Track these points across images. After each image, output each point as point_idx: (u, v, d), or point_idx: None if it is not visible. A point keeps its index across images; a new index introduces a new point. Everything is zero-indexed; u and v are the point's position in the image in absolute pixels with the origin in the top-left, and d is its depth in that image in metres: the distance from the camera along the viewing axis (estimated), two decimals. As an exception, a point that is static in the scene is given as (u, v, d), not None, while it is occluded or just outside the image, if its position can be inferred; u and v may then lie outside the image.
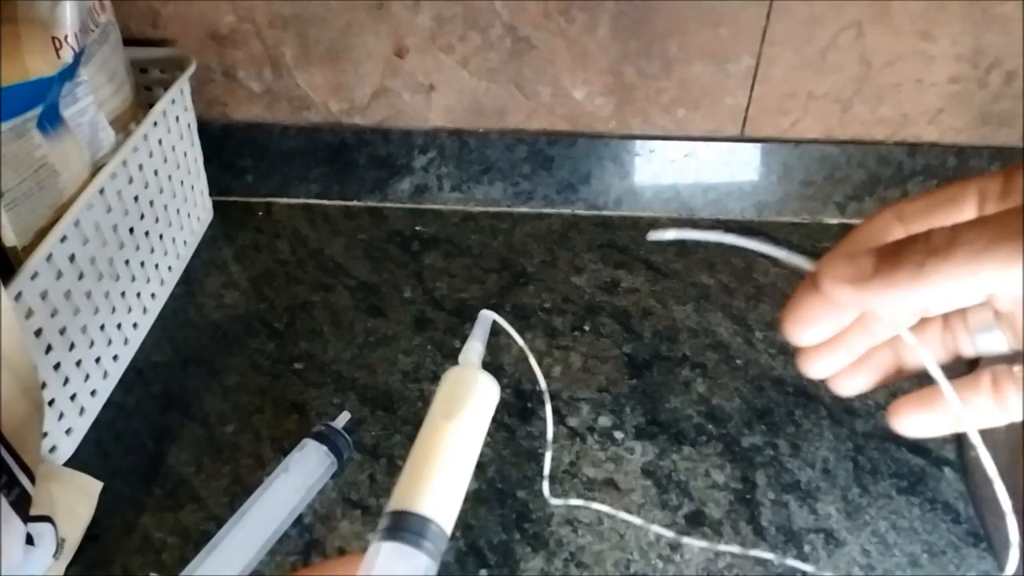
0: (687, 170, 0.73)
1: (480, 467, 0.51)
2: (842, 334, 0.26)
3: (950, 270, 0.19)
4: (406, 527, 0.25)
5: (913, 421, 0.26)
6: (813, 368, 0.26)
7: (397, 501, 0.26)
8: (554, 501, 0.49)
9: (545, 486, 0.47)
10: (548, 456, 0.50)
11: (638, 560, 0.46)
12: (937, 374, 0.23)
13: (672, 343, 0.61)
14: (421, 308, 0.63)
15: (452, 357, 0.58)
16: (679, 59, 0.68)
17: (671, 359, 0.59)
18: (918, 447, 0.53)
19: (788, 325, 0.25)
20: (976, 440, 0.23)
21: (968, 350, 0.26)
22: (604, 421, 0.55)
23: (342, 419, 0.52)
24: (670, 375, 0.58)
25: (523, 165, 0.74)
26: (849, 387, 0.27)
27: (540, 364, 0.59)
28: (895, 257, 0.21)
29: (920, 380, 0.25)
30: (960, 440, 0.53)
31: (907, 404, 0.26)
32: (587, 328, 0.62)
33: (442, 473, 0.27)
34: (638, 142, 0.72)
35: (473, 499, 0.49)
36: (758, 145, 0.72)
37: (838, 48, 0.66)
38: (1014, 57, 0.66)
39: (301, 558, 0.46)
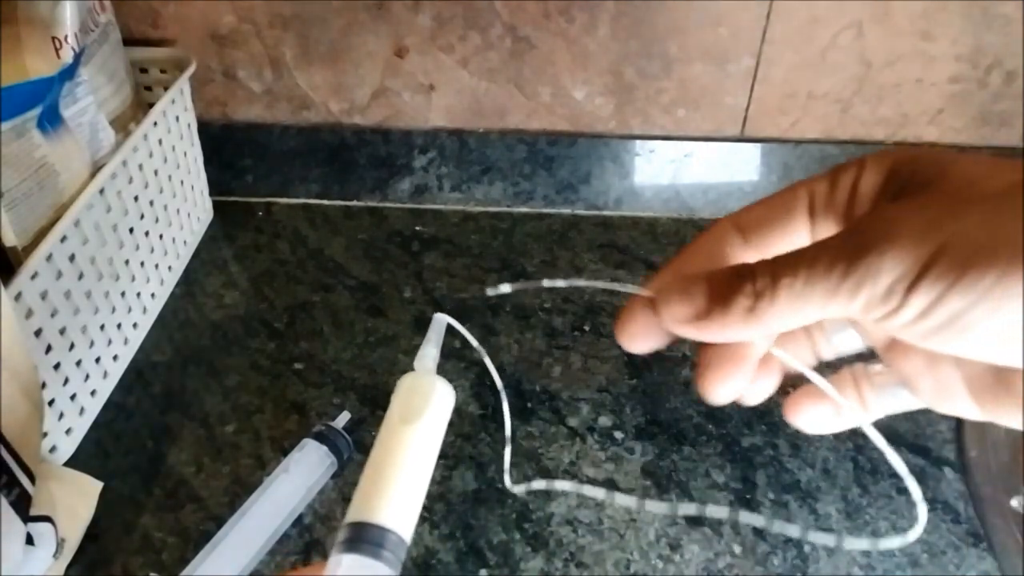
0: (687, 170, 0.73)
1: (480, 467, 0.51)
2: (729, 356, 0.26)
3: (777, 312, 0.20)
4: (365, 538, 0.26)
5: (807, 416, 0.26)
6: (718, 396, 0.25)
7: (356, 512, 0.26)
8: (516, 489, 0.49)
9: (507, 478, 0.48)
10: (508, 451, 0.50)
11: (638, 560, 0.46)
12: (817, 379, 0.24)
13: (672, 343, 0.60)
14: (421, 308, 0.63)
15: (452, 357, 0.58)
16: (679, 59, 0.68)
17: (671, 359, 0.59)
18: (918, 447, 0.53)
19: (623, 339, 0.25)
20: (872, 432, 0.24)
21: (827, 352, 0.26)
22: (604, 421, 0.55)
23: (342, 419, 0.52)
24: (670, 375, 0.58)
25: (523, 165, 0.74)
26: (756, 397, 0.27)
27: (540, 364, 0.59)
28: (726, 301, 0.21)
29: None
30: (960, 440, 0.53)
31: (799, 400, 0.26)
32: (587, 328, 0.62)
33: (400, 482, 0.28)
34: (638, 142, 0.72)
35: (473, 499, 0.49)
36: (758, 145, 0.72)
37: (838, 48, 0.66)
38: (1014, 57, 0.66)
39: (301, 558, 0.46)
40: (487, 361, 0.38)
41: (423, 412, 0.29)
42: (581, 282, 0.27)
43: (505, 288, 0.27)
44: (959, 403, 0.23)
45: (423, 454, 0.28)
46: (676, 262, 0.25)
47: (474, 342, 0.36)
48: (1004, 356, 0.18)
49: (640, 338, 0.24)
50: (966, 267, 0.17)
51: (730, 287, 0.21)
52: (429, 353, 0.32)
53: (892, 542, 0.31)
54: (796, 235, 0.24)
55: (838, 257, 0.19)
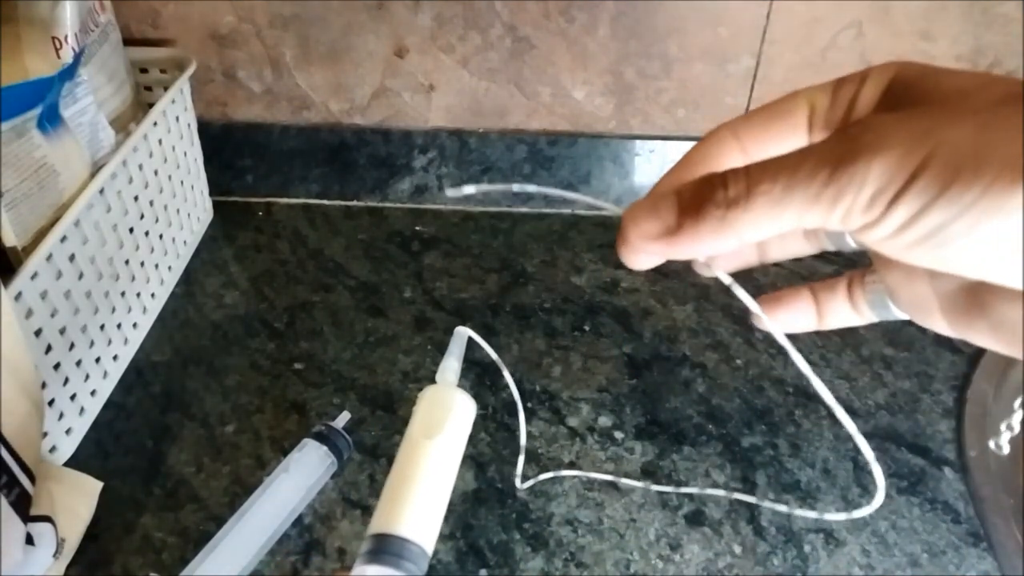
0: (687, 170, 0.73)
1: (480, 467, 0.51)
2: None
3: (751, 219, 0.19)
4: (387, 549, 0.26)
5: (779, 317, 0.26)
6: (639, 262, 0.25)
7: (378, 524, 0.27)
8: (523, 485, 0.49)
9: (518, 481, 0.48)
10: (521, 459, 0.50)
11: (638, 560, 0.46)
12: (745, 297, 0.24)
13: (672, 343, 0.61)
14: (421, 308, 0.63)
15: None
16: (679, 59, 0.68)
17: (671, 359, 0.59)
18: (918, 447, 0.53)
19: (623, 255, 0.24)
20: (782, 339, 0.23)
21: (827, 245, 0.26)
22: (604, 421, 0.55)
23: (342, 419, 0.52)
24: (670, 375, 0.58)
25: (523, 165, 0.74)
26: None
27: (540, 364, 0.59)
28: (696, 211, 0.20)
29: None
30: (960, 440, 0.53)
31: (772, 302, 0.26)
32: (587, 328, 0.62)
33: (421, 494, 0.28)
34: (638, 142, 0.72)
35: (473, 499, 0.49)
36: (758, 145, 0.72)
37: (838, 48, 0.66)
38: (1014, 57, 0.66)
39: (301, 558, 0.46)
40: (505, 373, 0.38)
41: (444, 425, 0.29)
42: (551, 191, 0.25)
43: (469, 189, 0.25)
44: (934, 320, 0.23)
45: (444, 467, 0.28)
46: (672, 172, 0.24)
47: (494, 355, 0.35)
48: (981, 271, 0.18)
49: (640, 253, 0.23)
50: (952, 179, 0.17)
51: (700, 196, 0.20)
52: (451, 366, 0.32)
53: (840, 516, 0.31)
54: (794, 145, 0.23)
55: (822, 163, 0.18)
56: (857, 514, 0.27)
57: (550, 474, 0.51)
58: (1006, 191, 0.16)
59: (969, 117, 0.18)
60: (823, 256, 0.27)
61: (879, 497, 0.26)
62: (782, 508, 0.47)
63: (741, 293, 0.23)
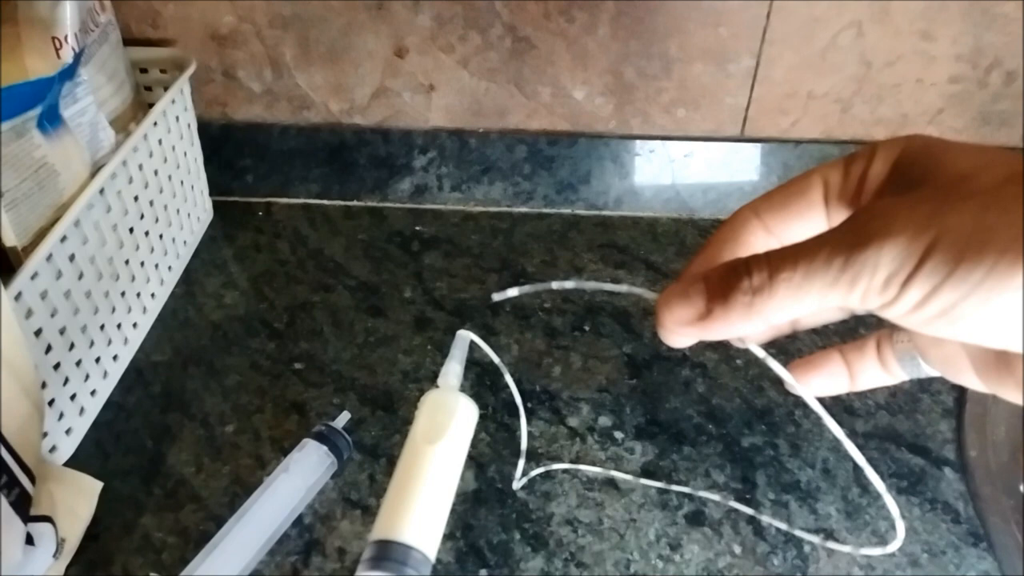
0: (687, 170, 0.73)
1: (480, 467, 0.51)
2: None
3: (776, 304, 0.21)
4: (390, 556, 0.26)
5: (812, 383, 0.28)
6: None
7: (381, 530, 0.27)
8: (518, 484, 0.49)
9: (515, 484, 0.49)
10: (521, 462, 0.50)
11: (638, 560, 0.46)
12: (778, 368, 0.25)
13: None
14: (421, 308, 0.63)
15: (452, 357, 0.58)
16: (679, 59, 0.68)
17: (671, 359, 0.59)
18: (918, 447, 0.53)
19: (665, 336, 0.25)
20: (815, 405, 0.25)
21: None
22: (604, 421, 0.55)
23: (342, 419, 0.52)
24: (670, 375, 0.58)
25: (523, 165, 0.74)
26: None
27: (540, 364, 0.59)
28: (725, 298, 0.22)
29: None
30: (960, 440, 0.53)
31: (804, 367, 0.28)
32: (587, 328, 0.62)
33: (424, 500, 0.28)
34: (638, 142, 0.72)
35: (473, 499, 0.49)
36: (758, 145, 0.72)
37: (838, 48, 0.66)
38: (1014, 57, 0.66)
39: (301, 558, 0.46)
40: (508, 378, 0.38)
41: (446, 429, 0.29)
42: (591, 284, 0.26)
43: (512, 292, 0.27)
44: (965, 377, 0.24)
45: (446, 472, 0.28)
46: (701, 253, 0.25)
47: (496, 359, 0.35)
48: (997, 341, 0.19)
49: (676, 335, 0.25)
50: (958, 260, 0.18)
51: (727, 284, 0.22)
52: (453, 370, 0.32)
53: (873, 551, 0.31)
54: (814, 222, 0.24)
55: (836, 251, 0.20)
56: (875, 552, 0.28)
57: (541, 468, 0.51)
58: (1009, 270, 0.18)
59: (970, 200, 0.19)
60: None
61: (899, 537, 0.27)
62: (783, 526, 0.47)
63: (775, 365, 0.25)
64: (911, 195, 0.20)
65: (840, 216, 0.24)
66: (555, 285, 0.27)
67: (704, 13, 0.65)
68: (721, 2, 0.64)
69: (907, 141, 0.22)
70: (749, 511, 0.48)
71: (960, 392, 0.56)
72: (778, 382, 0.58)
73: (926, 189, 0.20)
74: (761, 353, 0.25)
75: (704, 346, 0.60)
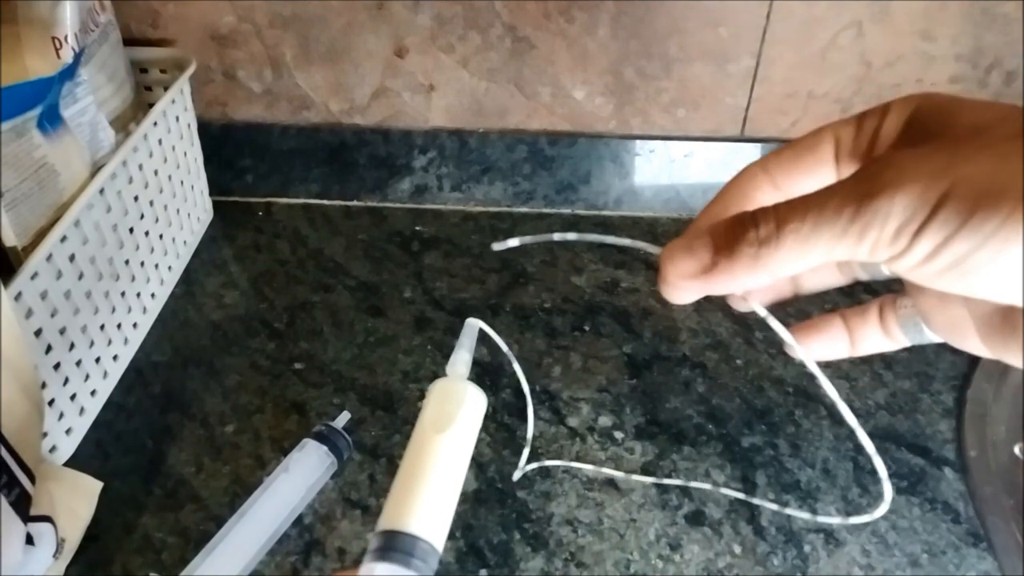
0: (687, 170, 0.73)
1: (480, 467, 0.51)
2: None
3: (782, 256, 0.21)
4: (396, 547, 0.26)
5: (812, 346, 0.27)
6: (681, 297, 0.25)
7: (387, 520, 0.26)
8: (516, 475, 0.49)
9: (516, 474, 0.49)
10: (524, 457, 0.50)
11: (638, 560, 0.46)
12: (779, 328, 0.24)
13: (672, 343, 0.61)
14: (421, 308, 0.63)
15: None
16: (679, 59, 0.68)
17: (671, 359, 0.59)
18: (918, 447, 0.53)
19: (665, 293, 0.25)
20: (814, 368, 0.24)
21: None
22: (604, 421, 0.55)
23: (342, 419, 0.52)
24: (670, 375, 0.58)
25: (523, 165, 0.74)
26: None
27: (540, 364, 0.59)
28: (730, 250, 0.22)
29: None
30: (960, 440, 0.53)
31: (805, 330, 0.27)
32: (587, 328, 0.62)
33: (432, 490, 0.27)
34: (638, 142, 0.72)
35: (473, 499, 0.49)
36: (758, 145, 0.72)
37: (838, 48, 0.66)
38: (1014, 57, 0.66)
39: (301, 558, 0.46)
40: (517, 367, 0.38)
41: (455, 418, 0.28)
42: (592, 236, 0.26)
43: (513, 242, 0.27)
44: (970, 342, 0.24)
45: (455, 462, 0.28)
46: (708, 209, 0.25)
47: (504, 347, 0.35)
48: (1007, 296, 0.19)
49: (679, 290, 0.24)
50: (972, 210, 0.18)
51: (733, 236, 0.22)
52: (462, 359, 0.31)
53: (855, 519, 0.31)
54: (824, 178, 0.24)
55: (846, 201, 0.19)
56: (877, 513, 0.27)
57: (536, 464, 0.51)
58: (1022, 220, 0.17)
59: (986, 151, 0.19)
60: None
61: (887, 499, 0.27)
62: (802, 513, 0.47)
63: (775, 324, 0.24)
64: (925, 146, 0.20)
65: (850, 173, 0.23)
66: (556, 237, 0.27)
67: (704, 13, 0.65)
68: (721, 2, 0.64)
69: (921, 98, 0.22)
70: (742, 496, 0.48)
71: (960, 392, 0.56)
72: (779, 381, 0.58)
73: (941, 140, 0.20)
74: (763, 312, 0.24)
75: (704, 346, 0.60)
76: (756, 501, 0.48)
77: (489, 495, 0.50)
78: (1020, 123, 0.19)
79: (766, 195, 0.24)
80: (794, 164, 0.24)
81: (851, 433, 0.53)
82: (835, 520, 0.37)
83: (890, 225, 0.19)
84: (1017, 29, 0.64)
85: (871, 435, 0.54)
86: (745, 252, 0.21)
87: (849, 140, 0.23)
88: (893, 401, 0.56)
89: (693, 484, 0.50)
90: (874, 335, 0.26)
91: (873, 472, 0.51)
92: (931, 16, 0.64)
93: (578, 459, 0.52)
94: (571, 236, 0.27)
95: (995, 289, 0.19)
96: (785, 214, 0.21)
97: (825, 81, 0.68)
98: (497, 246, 0.27)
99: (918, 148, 0.20)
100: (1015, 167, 0.18)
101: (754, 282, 0.22)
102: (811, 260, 0.20)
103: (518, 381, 0.57)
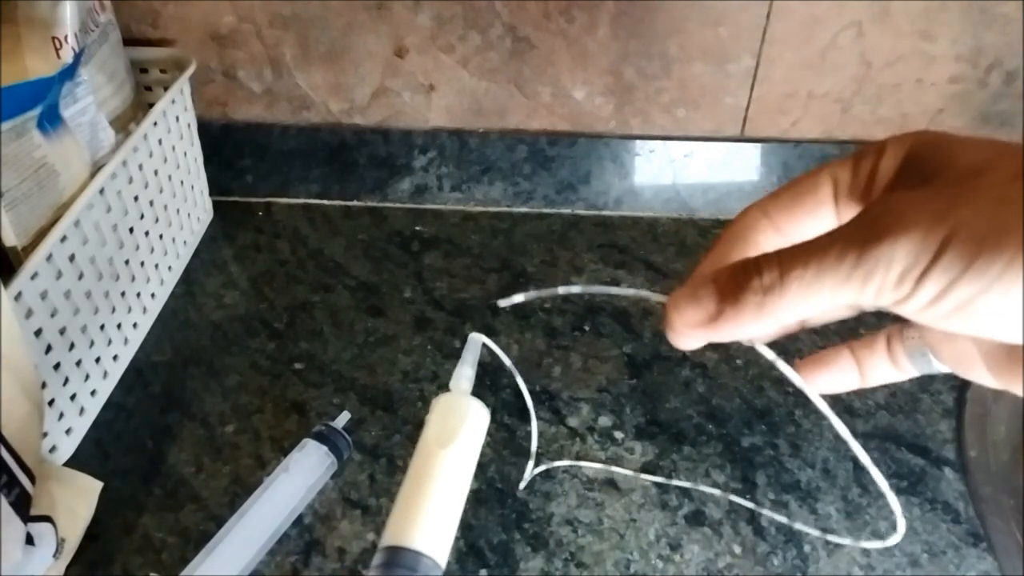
0: (687, 170, 0.73)
1: (480, 467, 0.51)
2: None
3: (787, 303, 0.21)
4: (400, 563, 0.26)
5: (821, 380, 0.27)
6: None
7: (391, 536, 0.26)
8: (522, 485, 0.49)
9: (522, 485, 0.48)
10: (531, 464, 0.50)
11: (638, 560, 0.46)
12: (785, 368, 0.25)
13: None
14: (421, 308, 0.63)
15: (452, 357, 0.58)
16: (679, 59, 0.68)
17: (671, 359, 0.59)
18: (918, 447, 0.53)
19: (673, 339, 0.25)
20: (823, 407, 0.25)
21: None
22: (604, 421, 0.55)
23: (342, 419, 0.52)
24: (670, 375, 0.58)
25: (523, 165, 0.74)
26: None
27: (540, 364, 0.59)
28: (735, 299, 0.22)
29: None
30: (960, 440, 0.53)
31: (813, 365, 0.27)
32: (587, 328, 0.62)
33: (435, 506, 0.28)
34: (638, 142, 0.72)
35: (473, 499, 0.49)
36: (758, 145, 0.72)
37: (838, 48, 0.66)
38: (1014, 57, 0.66)
39: (301, 558, 0.46)
40: (519, 381, 0.38)
41: (458, 434, 0.29)
42: (596, 288, 0.26)
43: (518, 298, 0.27)
44: (977, 372, 0.24)
45: (458, 477, 0.28)
46: (710, 254, 0.25)
47: (507, 362, 0.35)
48: (1011, 336, 0.19)
49: (686, 338, 0.24)
50: (975, 255, 0.18)
51: (737, 284, 0.22)
52: (465, 374, 0.31)
53: (872, 544, 0.31)
54: (823, 220, 0.24)
55: (848, 247, 0.20)
56: (875, 545, 0.27)
57: (542, 467, 0.51)
58: None
59: (986, 193, 0.19)
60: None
61: (900, 531, 0.27)
62: (811, 530, 0.47)
63: (783, 367, 0.25)
64: (924, 189, 0.20)
65: (850, 214, 0.23)
66: (561, 290, 0.26)
67: (704, 13, 0.65)
68: (721, 2, 0.64)
69: (916, 137, 0.22)
70: (740, 501, 0.48)
71: (960, 392, 0.56)
72: (779, 381, 0.58)
73: (938, 183, 0.20)
74: (771, 355, 0.24)
75: (705, 346, 0.60)
76: (766, 512, 0.48)
77: (489, 495, 0.50)
78: (1019, 163, 0.19)
79: (767, 238, 0.25)
80: (794, 206, 0.24)
81: (850, 433, 0.53)
82: (845, 541, 0.37)
83: (893, 271, 0.19)
84: (1017, 29, 0.64)
85: (871, 435, 0.55)
86: (750, 300, 0.21)
87: (847, 181, 0.24)
88: (893, 401, 0.56)
89: (700, 487, 0.50)
90: (883, 366, 0.26)
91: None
92: (931, 16, 0.64)
93: (578, 459, 0.52)
94: (575, 289, 0.27)
95: (999, 330, 0.19)
96: (788, 261, 0.21)
97: (825, 81, 0.68)
98: (503, 302, 0.27)
99: (918, 191, 0.20)
100: (1016, 209, 0.18)
101: (760, 329, 0.22)
102: (816, 306, 0.20)
103: (517, 381, 0.57)
